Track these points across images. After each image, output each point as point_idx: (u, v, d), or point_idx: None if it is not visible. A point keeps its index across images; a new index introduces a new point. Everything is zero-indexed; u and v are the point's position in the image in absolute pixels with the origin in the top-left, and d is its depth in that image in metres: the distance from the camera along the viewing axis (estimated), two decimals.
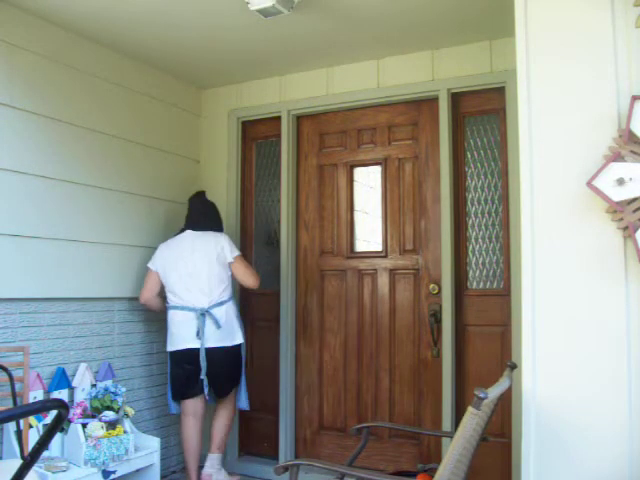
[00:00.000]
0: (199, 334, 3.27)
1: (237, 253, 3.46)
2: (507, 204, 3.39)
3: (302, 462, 2.12)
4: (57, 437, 3.03)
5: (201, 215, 3.57)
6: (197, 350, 3.28)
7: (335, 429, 3.81)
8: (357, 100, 3.78)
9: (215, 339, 3.30)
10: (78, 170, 3.31)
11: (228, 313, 3.38)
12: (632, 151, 1.99)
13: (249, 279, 3.46)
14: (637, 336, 1.99)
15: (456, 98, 3.55)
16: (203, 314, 3.29)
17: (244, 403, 3.56)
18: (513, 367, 2.30)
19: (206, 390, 3.33)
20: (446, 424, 3.39)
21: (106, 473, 2.97)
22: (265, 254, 4.13)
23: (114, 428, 3.06)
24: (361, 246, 3.90)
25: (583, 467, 2.04)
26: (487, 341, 3.43)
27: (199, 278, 3.35)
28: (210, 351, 3.29)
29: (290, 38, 3.38)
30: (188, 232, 3.51)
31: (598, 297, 2.07)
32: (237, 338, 3.42)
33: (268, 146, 4.17)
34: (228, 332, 3.36)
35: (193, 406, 3.39)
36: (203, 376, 3.28)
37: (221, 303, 3.35)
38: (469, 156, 3.56)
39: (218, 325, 3.29)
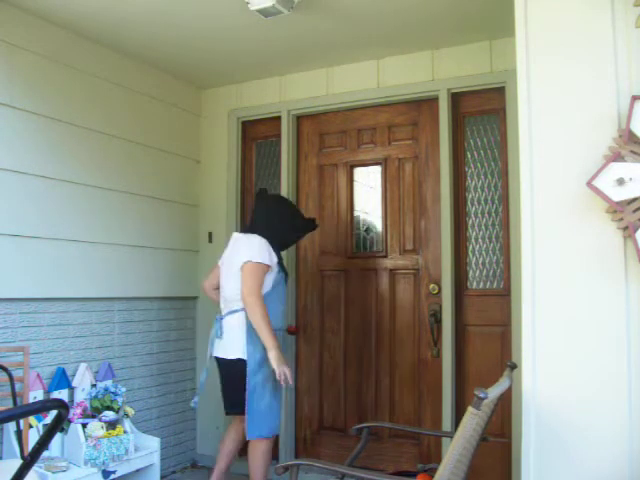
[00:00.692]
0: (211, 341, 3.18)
1: (250, 259, 2.99)
2: (507, 204, 3.39)
3: (302, 462, 2.12)
4: (57, 437, 3.03)
5: (255, 216, 3.26)
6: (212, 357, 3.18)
7: (335, 429, 3.81)
8: (357, 100, 3.78)
9: (218, 348, 3.13)
10: (78, 170, 3.31)
11: (234, 323, 3.05)
12: (632, 151, 1.99)
13: (244, 287, 2.97)
14: (637, 336, 1.99)
15: (456, 98, 3.55)
16: (217, 320, 3.15)
17: (249, 431, 3.00)
18: (513, 367, 2.30)
19: (194, 399, 3.23)
20: (446, 424, 3.39)
21: (106, 473, 2.97)
22: None
23: (114, 428, 3.06)
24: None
25: (583, 467, 2.04)
26: (487, 341, 3.43)
27: (223, 284, 3.18)
28: (216, 360, 3.15)
29: (290, 38, 3.38)
30: (234, 234, 3.29)
31: (598, 297, 2.07)
32: (235, 352, 3.01)
33: (268, 146, 4.17)
34: (229, 343, 3.08)
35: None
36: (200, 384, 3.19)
37: (233, 312, 3.09)
38: (469, 156, 3.56)
39: (218, 333, 3.11)
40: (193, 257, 4.16)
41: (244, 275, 2.99)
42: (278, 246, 3.16)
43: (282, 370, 2.91)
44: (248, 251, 3.02)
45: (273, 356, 2.90)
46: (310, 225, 3.34)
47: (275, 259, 3.08)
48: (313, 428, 3.88)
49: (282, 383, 2.94)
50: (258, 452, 3.07)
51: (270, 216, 3.20)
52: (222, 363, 3.12)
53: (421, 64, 3.58)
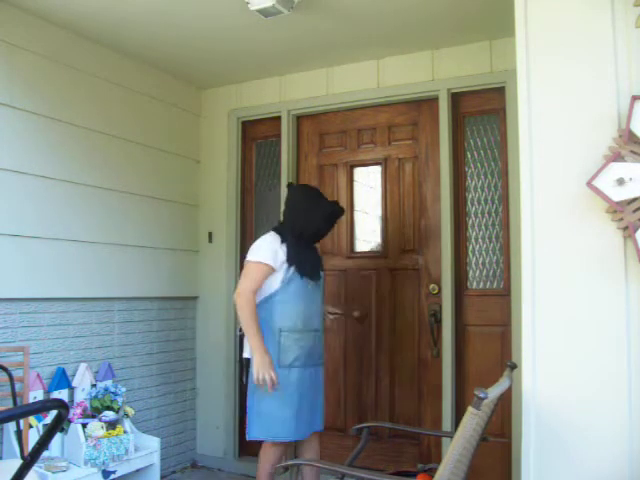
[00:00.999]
0: None
1: (249, 259, 2.90)
2: (507, 204, 3.39)
3: (302, 462, 2.12)
4: (57, 437, 3.03)
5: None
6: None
7: (335, 429, 3.80)
8: (357, 100, 3.78)
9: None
10: (78, 170, 3.31)
11: None
12: (632, 151, 1.99)
13: (238, 287, 2.89)
14: (637, 336, 1.99)
15: (456, 98, 3.55)
16: None
17: (247, 431, 2.95)
18: (513, 367, 2.30)
19: None
20: (446, 424, 3.39)
21: (106, 473, 2.97)
22: None
23: (114, 428, 3.06)
24: (361, 246, 3.89)
25: (583, 467, 2.04)
26: (487, 341, 3.43)
27: None
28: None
29: (290, 38, 3.38)
30: None
31: (598, 297, 2.07)
32: (247, 351, 2.91)
33: (268, 146, 4.17)
34: (245, 342, 2.93)
35: None
36: None
37: None
38: (469, 156, 3.56)
39: (239, 331, 3.06)
40: (193, 257, 4.16)
41: (243, 272, 2.92)
42: (302, 240, 2.95)
43: (261, 376, 2.75)
44: (250, 250, 2.94)
45: (255, 360, 2.77)
46: (333, 214, 3.01)
47: (282, 257, 2.86)
48: None
49: (262, 389, 2.78)
50: (265, 455, 2.95)
51: (288, 209, 3.04)
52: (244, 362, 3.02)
53: (421, 64, 3.58)
